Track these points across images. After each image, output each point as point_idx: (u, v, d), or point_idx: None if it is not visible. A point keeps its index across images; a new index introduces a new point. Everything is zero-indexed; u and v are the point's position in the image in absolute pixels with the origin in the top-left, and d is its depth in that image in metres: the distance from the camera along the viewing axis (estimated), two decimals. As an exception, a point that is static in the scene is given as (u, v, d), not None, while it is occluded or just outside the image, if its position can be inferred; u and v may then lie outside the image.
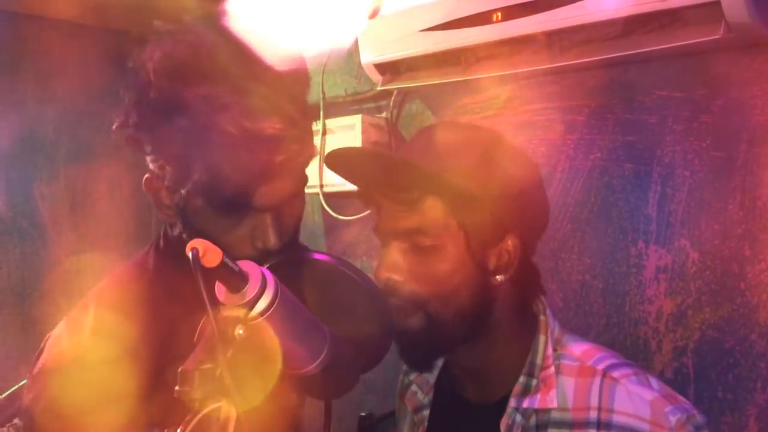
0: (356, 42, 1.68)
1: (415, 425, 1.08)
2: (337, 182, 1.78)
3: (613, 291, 1.41)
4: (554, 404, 0.93)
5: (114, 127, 0.90)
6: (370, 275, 1.02)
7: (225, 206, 0.86)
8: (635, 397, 0.90)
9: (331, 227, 2.00)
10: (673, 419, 0.87)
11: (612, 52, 1.27)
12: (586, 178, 1.45)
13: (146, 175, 0.92)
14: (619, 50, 1.26)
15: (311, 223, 2.03)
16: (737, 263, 1.25)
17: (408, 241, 0.93)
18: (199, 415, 0.62)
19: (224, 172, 0.84)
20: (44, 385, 0.89)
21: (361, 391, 1.77)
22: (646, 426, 0.87)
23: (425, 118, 1.77)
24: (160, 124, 0.84)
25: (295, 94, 0.88)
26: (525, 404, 0.94)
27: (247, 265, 0.69)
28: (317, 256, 0.96)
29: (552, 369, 0.95)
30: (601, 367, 0.94)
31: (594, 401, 0.91)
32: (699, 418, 0.89)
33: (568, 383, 0.94)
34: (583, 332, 1.05)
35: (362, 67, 1.70)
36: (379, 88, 1.70)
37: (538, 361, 0.96)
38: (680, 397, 0.92)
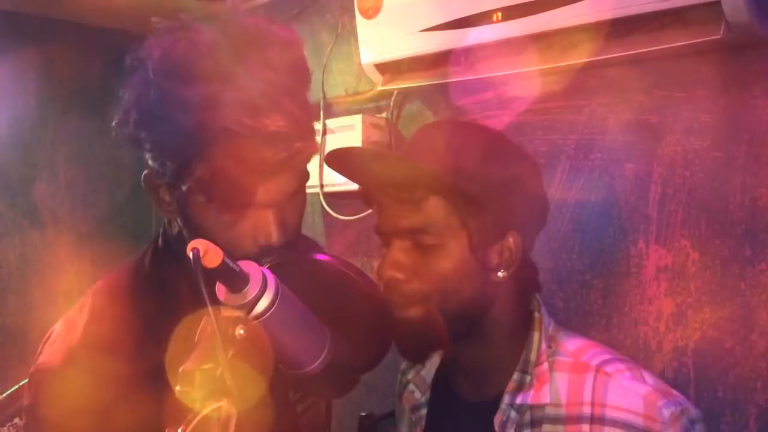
0: (356, 42, 1.68)
1: (413, 424, 1.08)
2: (337, 182, 1.78)
3: (613, 291, 1.41)
4: (547, 400, 0.93)
5: (114, 124, 0.90)
6: (371, 275, 1.02)
7: (226, 203, 0.86)
8: (628, 391, 0.90)
9: (331, 227, 2.00)
10: (666, 413, 0.87)
11: (612, 52, 1.26)
12: (586, 178, 1.45)
13: (145, 172, 0.91)
14: (619, 50, 1.26)
15: (311, 223, 2.03)
16: (737, 263, 1.25)
17: (410, 239, 0.93)
18: (200, 415, 0.62)
19: (226, 170, 0.83)
20: (40, 383, 0.89)
21: (361, 391, 1.77)
22: (639, 420, 0.87)
23: (425, 118, 1.77)
24: (161, 122, 0.84)
25: (296, 91, 0.88)
26: (518, 400, 0.94)
27: (247, 266, 0.70)
28: (317, 256, 0.96)
29: (545, 365, 0.95)
30: (594, 362, 0.94)
31: (587, 396, 0.91)
32: (693, 412, 0.89)
33: (562, 379, 0.94)
34: (583, 332, 1.04)
35: (362, 67, 1.70)
36: (379, 88, 1.69)
37: (532, 357, 0.96)
38: (674, 392, 0.92)
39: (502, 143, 0.99)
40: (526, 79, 1.47)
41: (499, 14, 1.37)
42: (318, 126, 1.83)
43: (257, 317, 0.69)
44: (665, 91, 1.34)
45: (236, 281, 0.68)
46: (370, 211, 1.69)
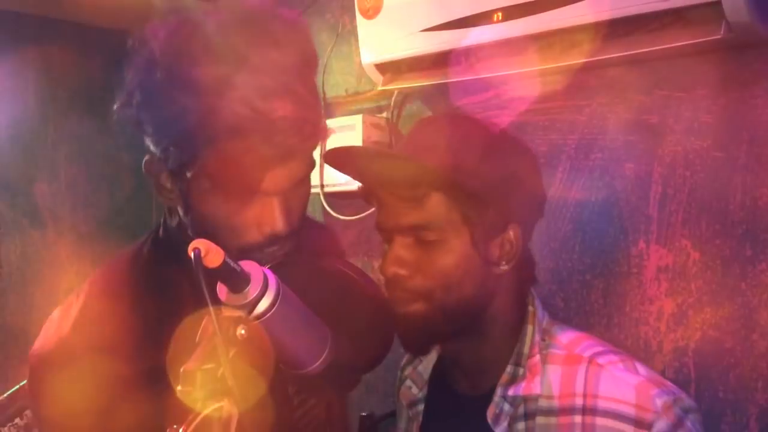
0: (357, 42, 1.68)
1: (410, 420, 1.08)
2: (338, 182, 1.79)
3: (614, 291, 1.41)
4: (538, 390, 0.93)
5: (116, 107, 0.86)
6: (371, 275, 1.02)
7: (233, 190, 0.83)
8: (620, 382, 0.90)
9: (332, 227, 2.00)
10: (659, 402, 0.86)
11: (613, 52, 1.26)
12: (587, 178, 1.45)
13: (146, 157, 0.88)
14: (620, 50, 1.26)
15: (312, 223, 2.03)
16: (738, 263, 1.25)
17: (412, 236, 0.93)
18: (202, 415, 0.62)
19: (234, 155, 0.80)
20: (33, 369, 0.88)
21: (362, 391, 1.77)
22: (631, 410, 0.87)
23: (426, 118, 1.77)
24: (166, 104, 0.80)
25: (305, 75, 0.85)
26: (510, 392, 0.95)
27: (249, 266, 0.70)
28: (319, 254, 0.96)
29: (538, 357, 0.96)
30: (587, 354, 0.94)
31: (579, 388, 0.91)
32: (686, 401, 0.88)
33: (555, 371, 0.94)
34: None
35: (363, 67, 1.70)
36: (379, 88, 1.70)
37: (525, 350, 0.96)
38: (668, 382, 0.91)
39: (501, 137, 1.00)
40: (527, 79, 1.47)
41: (500, 14, 1.37)
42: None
43: (258, 317, 0.69)
44: (666, 90, 1.34)
45: (237, 281, 0.68)
46: (370, 211, 1.69)
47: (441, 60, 1.52)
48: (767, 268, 1.23)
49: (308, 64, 0.86)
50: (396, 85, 1.65)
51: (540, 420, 0.93)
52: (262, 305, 0.69)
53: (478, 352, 0.99)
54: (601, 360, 0.93)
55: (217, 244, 0.65)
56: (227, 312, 0.69)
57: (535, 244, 1.00)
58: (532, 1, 1.32)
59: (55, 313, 0.92)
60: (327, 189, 1.84)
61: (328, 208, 1.89)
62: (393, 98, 1.80)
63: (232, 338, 0.67)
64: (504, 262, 0.95)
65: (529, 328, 0.97)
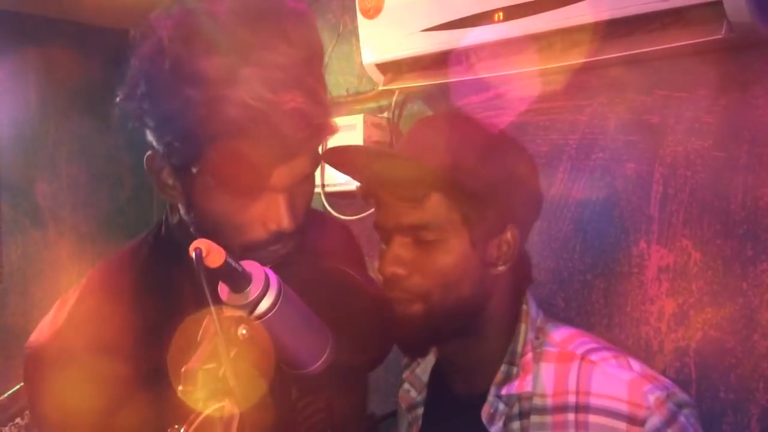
0: (358, 42, 1.68)
1: (410, 424, 1.08)
2: (338, 182, 1.78)
3: (614, 291, 1.41)
4: (529, 388, 0.93)
5: (118, 99, 0.83)
6: (372, 274, 1.02)
7: (239, 186, 0.81)
8: (612, 378, 0.89)
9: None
10: (651, 398, 0.86)
11: (614, 52, 1.26)
12: (587, 178, 1.45)
13: (148, 153, 0.85)
14: (621, 50, 1.25)
15: (312, 222, 2.03)
16: (739, 263, 1.25)
17: (411, 235, 0.93)
18: (203, 415, 0.62)
19: (242, 150, 0.77)
20: (25, 363, 0.88)
21: (363, 391, 1.77)
22: (624, 407, 0.87)
23: (427, 118, 1.77)
24: (172, 96, 0.77)
25: (313, 66, 0.83)
26: (503, 391, 0.95)
27: (250, 265, 0.70)
28: (321, 253, 0.96)
29: (530, 355, 0.96)
30: (580, 351, 0.94)
31: (572, 385, 0.91)
32: (680, 396, 0.88)
33: (549, 369, 0.94)
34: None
35: (364, 67, 1.70)
36: (380, 88, 1.70)
37: (519, 348, 0.96)
38: (662, 377, 0.91)
39: (500, 137, 1.00)
40: (528, 79, 1.47)
41: (501, 14, 1.37)
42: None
43: (260, 317, 0.69)
44: (666, 90, 1.34)
45: (239, 281, 0.68)
46: (371, 211, 1.69)
47: (442, 60, 1.52)
48: (768, 268, 1.23)
49: (316, 56, 0.84)
50: (397, 85, 1.65)
51: (534, 418, 0.93)
52: (264, 305, 0.69)
53: (474, 352, 0.99)
54: (593, 357, 0.93)
55: (220, 241, 0.65)
56: (228, 312, 0.68)
57: (536, 244, 1.01)
58: (532, 1, 1.32)
59: (53, 308, 0.92)
60: (327, 189, 1.84)
61: (328, 208, 1.89)
62: (394, 98, 1.80)
63: (233, 338, 0.67)
64: (501, 263, 0.95)
65: (522, 327, 0.98)
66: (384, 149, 1.65)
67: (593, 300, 1.44)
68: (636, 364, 0.92)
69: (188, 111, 0.76)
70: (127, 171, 2.25)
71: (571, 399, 0.91)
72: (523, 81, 1.49)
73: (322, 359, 0.78)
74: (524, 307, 0.99)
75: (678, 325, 1.32)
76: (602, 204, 1.43)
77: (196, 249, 0.63)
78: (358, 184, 1.03)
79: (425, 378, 1.08)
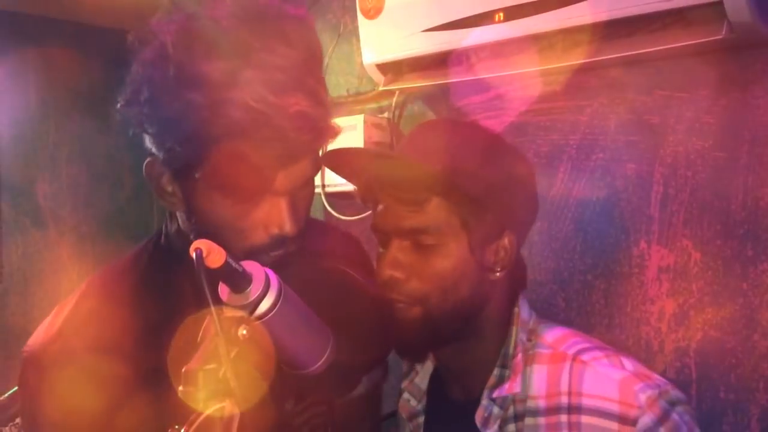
0: (358, 42, 1.68)
1: None
2: (339, 182, 1.78)
3: (615, 291, 1.41)
4: (518, 389, 0.93)
5: (119, 105, 0.83)
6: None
7: (242, 191, 0.80)
8: (604, 378, 0.89)
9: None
10: (642, 397, 0.85)
11: (614, 52, 1.26)
12: (588, 178, 1.45)
13: (148, 159, 0.85)
14: (621, 50, 1.26)
15: (313, 223, 2.03)
16: (739, 263, 1.25)
17: (410, 239, 0.93)
18: (203, 416, 0.62)
19: (245, 152, 0.77)
20: (22, 365, 0.88)
21: (363, 391, 1.77)
22: (615, 406, 0.86)
23: (427, 118, 1.76)
24: (176, 100, 0.77)
25: (314, 69, 0.83)
26: (495, 394, 0.94)
27: (250, 266, 0.70)
28: (322, 252, 0.96)
29: (520, 356, 0.95)
30: (571, 351, 0.94)
31: (564, 386, 0.91)
32: (673, 394, 0.88)
33: (541, 370, 0.94)
34: (585, 333, 1.04)
35: (364, 68, 1.70)
36: (381, 89, 1.70)
37: (510, 351, 0.96)
38: (655, 375, 0.90)
39: (499, 143, 1.00)
40: (528, 80, 1.47)
41: (501, 14, 1.37)
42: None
43: (260, 317, 0.69)
44: (667, 91, 1.34)
45: (239, 281, 0.68)
46: (371, 212, 1.69)
47: (442, 60, 1.52)
48: (769, 269, 1.23)
49: (316, 58, 0.85)
50: (397, 86, 1.65)
51: (528, 420, 0.93)
52: (264, 305, 0.69)
53: (470, 356, 0.99)
54: (585, 357, 0.92)
55: (221, 246, 0.65)
56: (229, 312, 0.69)
57: (536, 244, 1.00)
58: (533, 2, 1.32)
59: (51, 314, 0.92)
60: (328, 189, 1.84)
61: (329, 209, 1.89)
62: (394, 98, 1.80)
63: (233, 338, 0.67)
64: (499, 269, 0.95)
65: (514, 330, 0.97)
66: (384, 151, 1.65)
67: (594, 300, 1.44)
68: (629, 363, 0.91)
69: (191, 114, 0.76)
70: (128, 171, 2.25)
71: (564, 400, 0.91)
72: (524, 81, 1.49)
73: (323, 359, 0.78)
74: (516, 309, 0.99)
75: (678, 325, 1.32)
76: (603, 204, 1.43)
77: (196, 249, 0.63)
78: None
79: (424, 386, 1.08)
